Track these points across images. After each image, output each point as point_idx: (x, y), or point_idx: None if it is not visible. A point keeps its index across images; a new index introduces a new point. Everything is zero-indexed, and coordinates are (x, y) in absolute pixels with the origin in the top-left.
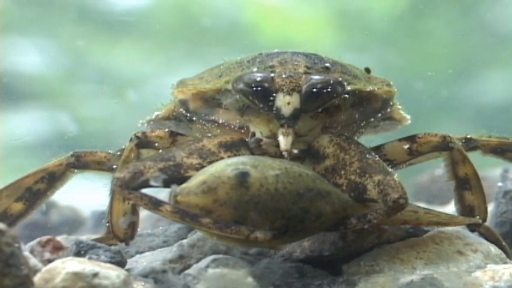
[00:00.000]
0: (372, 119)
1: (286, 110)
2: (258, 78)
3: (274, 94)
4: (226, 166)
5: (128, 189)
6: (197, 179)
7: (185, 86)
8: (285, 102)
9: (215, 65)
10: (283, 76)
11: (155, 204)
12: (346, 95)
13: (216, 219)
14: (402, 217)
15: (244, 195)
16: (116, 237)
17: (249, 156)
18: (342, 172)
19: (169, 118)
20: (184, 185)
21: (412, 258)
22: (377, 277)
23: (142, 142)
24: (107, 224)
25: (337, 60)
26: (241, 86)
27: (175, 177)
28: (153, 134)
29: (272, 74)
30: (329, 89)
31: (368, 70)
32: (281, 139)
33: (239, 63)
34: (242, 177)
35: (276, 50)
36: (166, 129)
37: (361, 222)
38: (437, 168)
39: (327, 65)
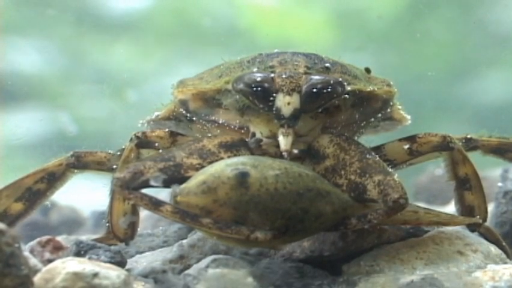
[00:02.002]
0: (373, 119)
1: (286, 110)
2: (258, 79)
3: (274, 94)
4: (226, 166)
5: (128, 189)
6: (197, 179)
7: (185, 86)
8: (285, 103)
9: (215, 65)
10: (283, 76)
11: (155, 205)
12: (346, 95)
13: (216, 220)
14: (402, 217)
15: (244, 195)
16: (116, 237)
17: (248, 156)
18: (342, 172)
19: (169, 118)
20: (183, 185)
21: (412, 258)
22: (377, 277)
23: (142, 142)
24: (107, 224)
25: (337, 60)
26: (241, 86)
27: (175, 177)
28: (153, 134)
29: (272, 74)
30: (329, 89)
31: (368, 70)
32: (281, 139)
33: (239, 63)
34: (242, 178)
35: (276, 50)
36: (166, 129)
37: (361, 222)
38: (437, 168)
39: (327, 65)
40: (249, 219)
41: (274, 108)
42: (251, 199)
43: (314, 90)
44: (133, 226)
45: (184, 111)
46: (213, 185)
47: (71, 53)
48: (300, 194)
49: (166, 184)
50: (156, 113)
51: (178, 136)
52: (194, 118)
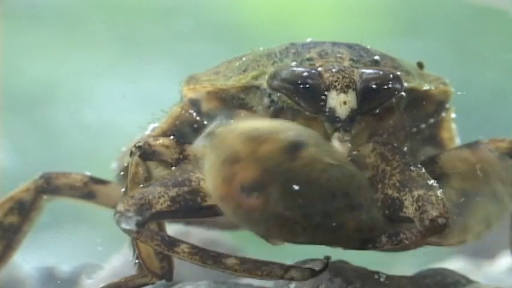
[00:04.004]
0: (424, 125)
1: (343, 111)
2: (304, 73)
3: (326, 92)
4: (291, 130)
5: (136, 225)
6: (252, 124)
7: (198, 83)
8: (341, 102)
9: (233, 57)
10: (334, 70)
11: (169, 245)
12: (403, 94)
13: (243, 260)
14: None
15: (282, 164)
16: (153, 274)
17: (316, 133)
18: (380, 186)
19: (172, 129)
20: (233, 123)
21: None
22: None
23: (147, 153)
24: (137, 261)
25: (385, 52)
26: (281, 83)
27: (190, 207)
28: (157, 142)
29: (320, 68)
30: (389, 85)
31: (420, 65)
32: (337, 145)
33: (268, 55)
34: (297, 147)
35: (309, 39)
36: (172, 137)
37: (391, 241)
38: None
39: (376, 57)
40: (267, 191)
41: (326, 109)
42: (286, 171)
43: (373, 86)
44: (168, 258)
45: (194, 114)
46: (264, 136)
47: None
48: (334, 195)
49: (180, 215)
50: (152, 126)
51: (186, 145)
52: (206, 123)
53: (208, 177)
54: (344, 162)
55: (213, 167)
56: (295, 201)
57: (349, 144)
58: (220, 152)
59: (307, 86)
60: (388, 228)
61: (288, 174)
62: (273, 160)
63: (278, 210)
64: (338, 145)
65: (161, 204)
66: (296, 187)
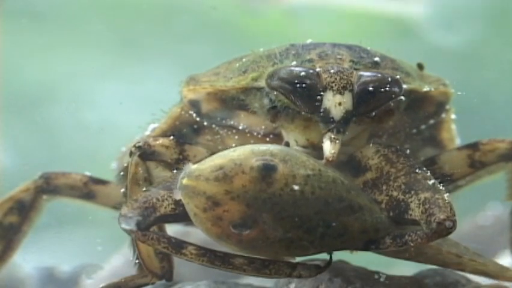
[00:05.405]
0: (423, 126)
1: (337, 112)
2: (302, 73)
3: (321, 93)
4: (252, 154)
5: (140, 229)
6: (213, 161)
7: (198, 84)
8: (336, 103)
9: (233, 58)
10: (332, 71)
11: (176, 247)
12: (403, 97)
13: (251, 259)
14: (442, 258)
15: (263, 192)
16: (153, 274)
17: (281, 147)
18: (384, 187)
19: (172, 130)
20: (195, 166)
21: None
22: None
23: (146, 153)
24: (137, 261)
25: (385, 53)
26: (279, 82)
27: None
28: (157, 142)
29: (318, 69)
30: (386, 88)
31: (420, 66)
32: (327, 145)
33: (268, 56)
34: (266, 171)
35: (309, 41)
36: (171, 137)
37: (396, 243)
38: (479, 213)
39: (376, 59)
40: (260, 220)
41: (321, 110)
42: (270, 198)
43: (370, 88)
44: (168, 258)
45: (194, 115)
46: (231, 173)
47: None
48: (328, 203)
49: (184, 218)
50: (152, 126)
51: (186, 145)
52: (205, 123)
53: (196, 223)
54: (320, 168)
55: (197, 216)
56: (292, 222)
57: (340, 145)
58: (196, 202)
59: (304, 85)
60: (393, 230)
61: (271, 200)
62: (250, 193)
63: (279, 235)
64: (329, 145)
65: (165, 207)
66: (286, 210)
